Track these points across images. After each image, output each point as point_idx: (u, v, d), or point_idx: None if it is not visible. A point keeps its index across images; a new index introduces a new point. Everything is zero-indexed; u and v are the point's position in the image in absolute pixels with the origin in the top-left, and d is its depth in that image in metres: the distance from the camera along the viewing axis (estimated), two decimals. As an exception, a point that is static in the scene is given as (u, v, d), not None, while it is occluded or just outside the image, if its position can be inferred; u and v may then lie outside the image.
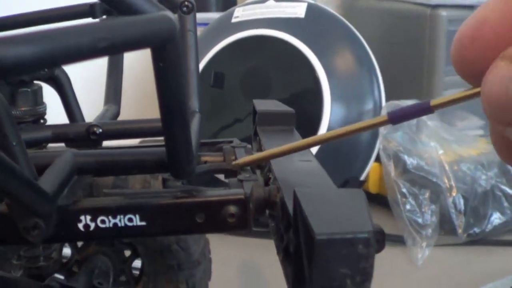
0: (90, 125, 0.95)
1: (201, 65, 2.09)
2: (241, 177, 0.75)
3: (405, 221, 1.81)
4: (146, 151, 0.76)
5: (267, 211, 0.76)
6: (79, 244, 1.29)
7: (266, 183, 0.80)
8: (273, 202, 0.72)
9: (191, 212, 0.70)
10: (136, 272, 1.35)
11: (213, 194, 0.71)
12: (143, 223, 0.70)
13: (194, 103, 0.95)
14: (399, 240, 1.87)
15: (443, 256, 1.83)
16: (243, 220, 0.71)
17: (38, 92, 1.05)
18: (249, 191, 0.71)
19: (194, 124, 0.89)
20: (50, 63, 0.41)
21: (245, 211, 0.70)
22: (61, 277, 0.97)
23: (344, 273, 0.50)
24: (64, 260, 1.29)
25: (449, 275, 1.72)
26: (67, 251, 1.25)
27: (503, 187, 1.95)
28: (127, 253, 1.30)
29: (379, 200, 2.04)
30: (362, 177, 2.07)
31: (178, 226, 0.70)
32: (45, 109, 1.06)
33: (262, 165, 0.91)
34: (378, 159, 2.03)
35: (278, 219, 0.70)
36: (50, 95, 1.10)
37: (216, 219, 0.70)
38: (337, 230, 0.50)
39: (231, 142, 0.97)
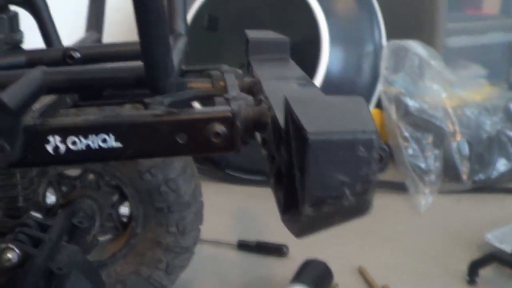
0: (67, 49, 0.87)
1: (194, 8, 2.01)
2: (228, 96, 0.68)
3: (407, 166, 1.75)
4: (122, 67, 0.68)
5: (258, 135, 0.70)
6: (64, 189, 1.24)
7: (258, 105, 0.73)
8: (264, 123, 0.65)
9: (172, 132, 0.62)
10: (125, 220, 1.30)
11: (196, 111, 0.64)
12: (119, 144, 0.62)
13: (179, 26, 0.88)
14: (401, 188, 1.81)
15: (448, 203, 1.77)
16: (230, 140, 0.63)
17: (14, 19, 0.98)
18: (236, 108, 0.63)
19: (179, 45, 0.82)
20: None
21: (232, 130, 0.63)
22: (39, 215, 0.91)
23: (342, 181, 0.42)
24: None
25: (454, 222, 1.65)
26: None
27: (509, 132, 1.88)
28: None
29: (380, 148, 1.97)
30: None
31: (158, 148, 0.63)
32: (22, 37, 0.99)
33: (253, 90, 0.85)
34: (379, 106, 1.96)
35: (270, 142, 0.63)
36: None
37: (200, 139, 0.63)
38: (333, 129, 0.42)
39: (220, 68, 0.90)
